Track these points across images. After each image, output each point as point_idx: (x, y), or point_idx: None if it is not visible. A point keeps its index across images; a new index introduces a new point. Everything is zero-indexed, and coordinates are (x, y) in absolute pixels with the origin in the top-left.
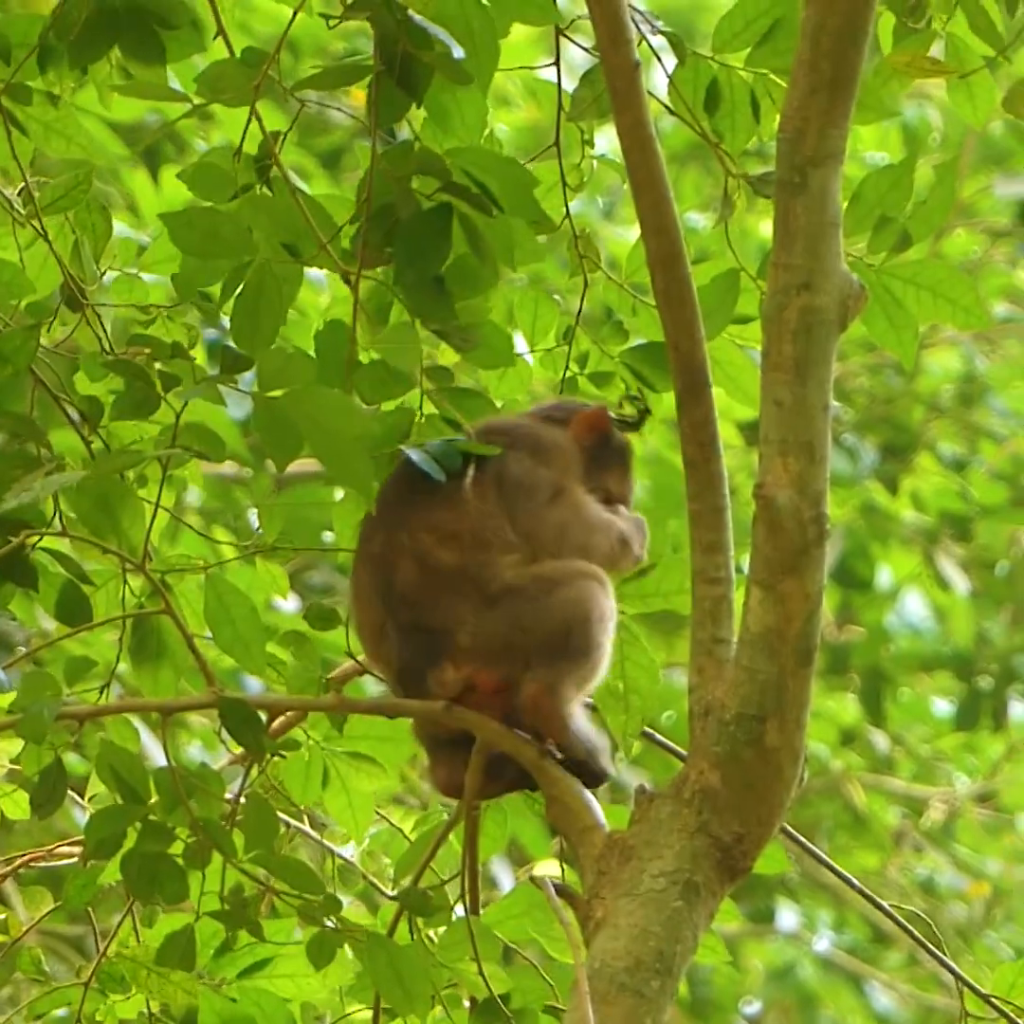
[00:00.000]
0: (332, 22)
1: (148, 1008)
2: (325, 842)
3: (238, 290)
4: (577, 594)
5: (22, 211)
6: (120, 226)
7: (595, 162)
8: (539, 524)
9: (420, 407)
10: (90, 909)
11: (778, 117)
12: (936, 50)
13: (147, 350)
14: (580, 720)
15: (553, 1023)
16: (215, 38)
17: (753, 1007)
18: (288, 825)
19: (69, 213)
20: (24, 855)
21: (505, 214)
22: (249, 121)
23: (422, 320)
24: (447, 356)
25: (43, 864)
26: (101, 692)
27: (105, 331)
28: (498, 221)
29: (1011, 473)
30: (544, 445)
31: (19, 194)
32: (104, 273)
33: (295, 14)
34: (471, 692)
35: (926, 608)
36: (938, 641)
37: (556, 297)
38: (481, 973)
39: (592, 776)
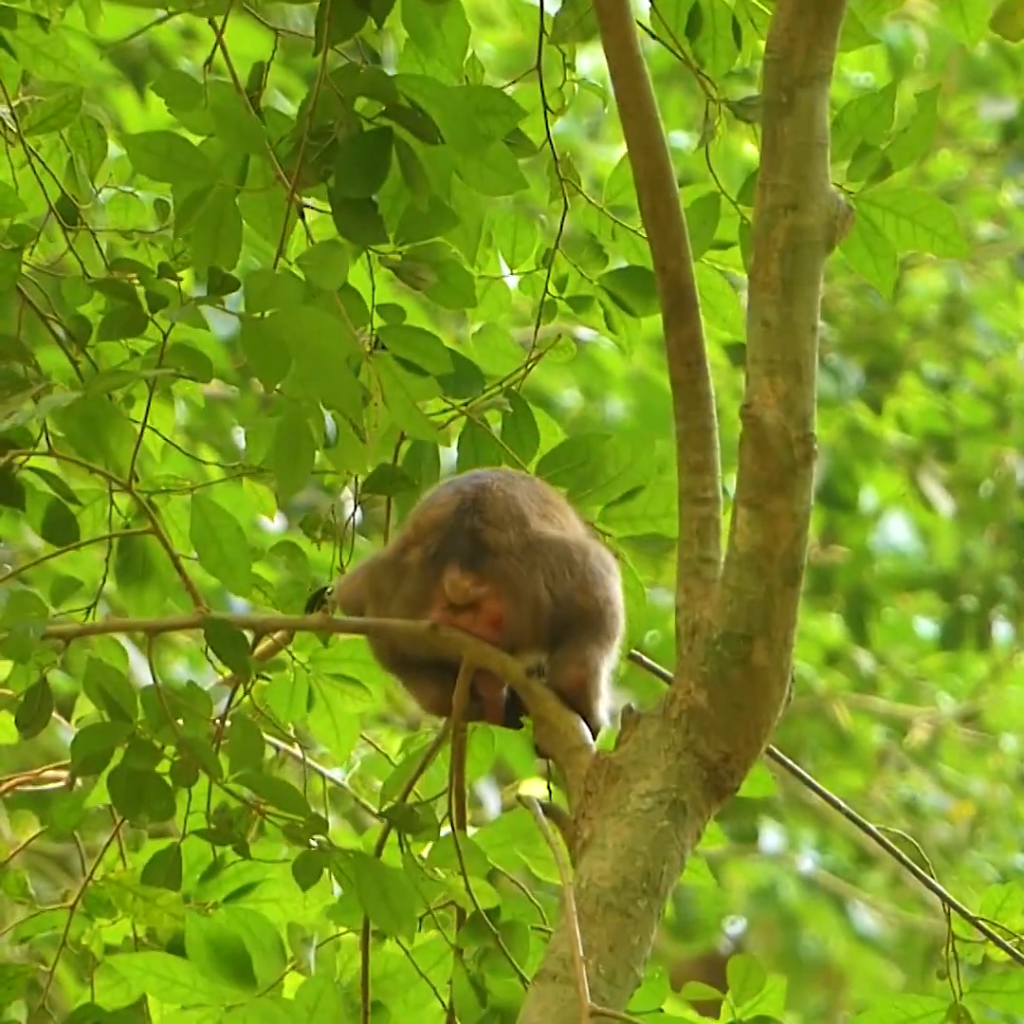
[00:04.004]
0: None
1: (134, 932)
2: (314, 764)
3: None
4: (611, 593)
5: (14, 130)
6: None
7: (577, 85)
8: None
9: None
10: (76, 832)
11: (759, 42)
12: None
13: (133, 274)
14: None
15: (541, 945)
16: None
17: (736, 926)
18: (277, 748)
19: (64, 132)
20: (11, 779)
21: (446, 143)
22: (220, 32)
23: (351, 240)
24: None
25: (30, 787)
26: (88, 612)
27: (100, 251)
28: (438, 150)
29: (995, 393)
30: None
31: (12, 113)
32: (99, 191)
33: None
34: (468, 611)
35: (910, 529)
36: (922, 561)
37: (541, 218)
38: (468, 888)
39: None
